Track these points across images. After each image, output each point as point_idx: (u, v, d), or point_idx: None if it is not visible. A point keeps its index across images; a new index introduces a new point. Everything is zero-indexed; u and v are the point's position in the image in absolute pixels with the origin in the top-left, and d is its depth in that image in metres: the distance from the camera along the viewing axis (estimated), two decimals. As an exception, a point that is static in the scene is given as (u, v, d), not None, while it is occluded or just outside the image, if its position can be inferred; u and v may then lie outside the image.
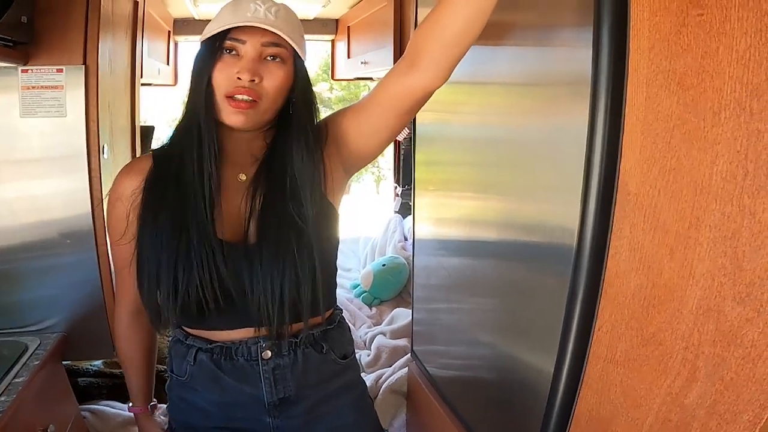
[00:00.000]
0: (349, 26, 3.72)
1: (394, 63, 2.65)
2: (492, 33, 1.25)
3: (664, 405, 0.78)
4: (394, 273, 3.12)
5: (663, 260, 0.78)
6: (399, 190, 4.13)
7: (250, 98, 1.09)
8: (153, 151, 1.22)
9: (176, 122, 1.19)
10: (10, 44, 1.68)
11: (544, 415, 1.07)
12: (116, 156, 2.08)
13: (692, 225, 0.73)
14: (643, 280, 0.82)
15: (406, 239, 3.54)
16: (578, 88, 0.93)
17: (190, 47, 4.42)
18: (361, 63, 3.31)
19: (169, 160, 1.15)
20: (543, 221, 1.09)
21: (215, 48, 1.10)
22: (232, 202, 1.15)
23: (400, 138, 4.31)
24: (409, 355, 2.20)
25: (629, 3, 0.83)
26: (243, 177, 1.18)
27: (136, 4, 2.48)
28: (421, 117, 1.72)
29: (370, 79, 4.57)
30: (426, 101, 1.14)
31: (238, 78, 1.08)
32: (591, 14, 0.89)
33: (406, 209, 4.04)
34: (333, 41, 4.20)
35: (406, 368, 2.14)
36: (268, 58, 1.11)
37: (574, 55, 0.97)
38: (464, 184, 1.46)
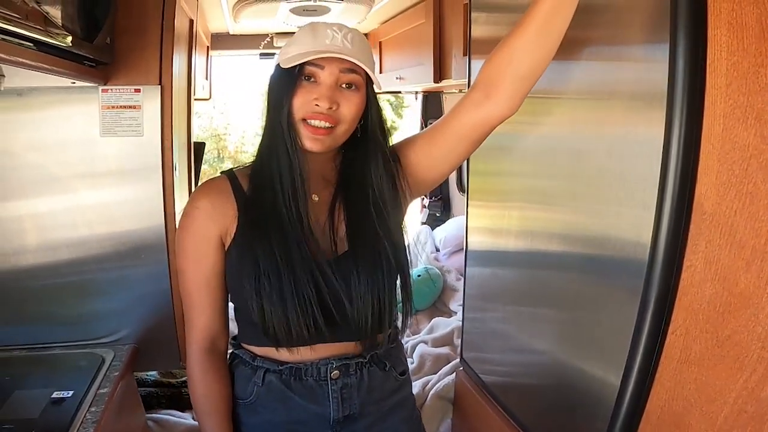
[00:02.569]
0: (381, 41, 3.82)
1: (433, 80, 2.79)
2: (560, 48, 1.35)
3: (740, 398, 0.89)
4: (430, 283, 3.23)
5: (739, 272, 0.89)
6: (426, 201, 4.24)
7: (328, 124, 1.15)
8: (225, 173, 1.27)
9: (258, 146, 1.24)
10: (93, 64, 1.80)
11: (612, 413, 1.16)
12: (181, 173, 2.19)
13: (769, 241, 0.84)
14: (719, 289, 0.93)
15: (437, 250, 3.64)
16: (650, 104, 1.03)
17: (221, 61, 4.58)
18: (397, 78, 3.41)
19: (260, 186, 1.21)
20: (611, 234, 1.19)
21: (295, 74, 1.15)
22: (309, 220, 1.21)
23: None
24: (456, 361, 2.30)
25: (706, 43, 0.94)
26: (316, 198, 1.25)
27: (191, 22, 2.60)
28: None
29: (398, 92, 4.70)
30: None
31: (316, 105, 1.14)
32: (664, 30, 0.99)
33: (432, 220, 4.15)
34: (363, 56, 4.30)
35: (453, 375, 2.24)
36: (344, 86, 1.16)
37: (646, 70, 1.06)
38: (526, 196, 1.55)
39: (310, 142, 1.16)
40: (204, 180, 1.31)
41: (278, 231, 1.17)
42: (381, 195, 1.23)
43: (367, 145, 1.24)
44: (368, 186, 1.23)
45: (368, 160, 1.24)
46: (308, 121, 1.15)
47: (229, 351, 1.32)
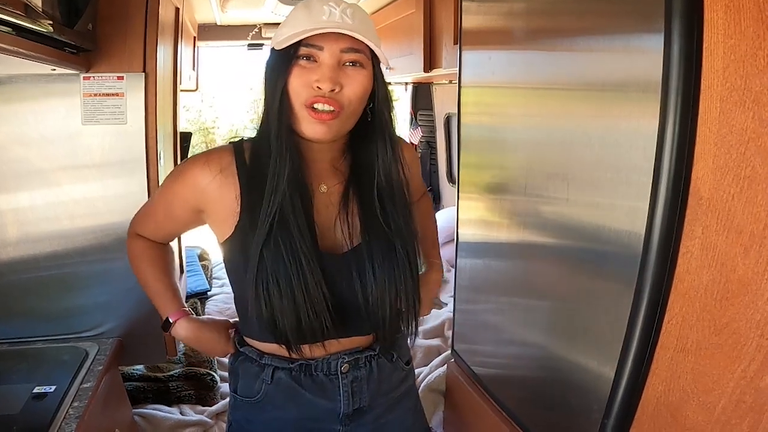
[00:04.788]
0: (370, 32, 3.78)
1: (423, 69, 2.76)
2: (549, 38, 1.32)
3: (738, 388, 0.87)
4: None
5: (737, 258, 0.87)
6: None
7: (332, 108, 1.04)
8: (233, 143, 1.18)
9: (257, 131, 1.15)
10: (74, 51, 1.75)
11: (607, 405, 1.15)
12: (166, 162, 2.15)
13: (767, 226, 0.82)
14: (716, 276, 0.91)
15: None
16: (644, 90, 1.01)
17: (210, 55, 4.54)
18: (387, 69, 3.37)
19: (260, 175, 1.11)
20: (605, 224, 1.17)
21: (290, 55, 1.05)
22: (318, 213, 1.15)
23: (415, 141, 4.40)
24: (448, 353, 2.28)
25: (702, 27, 0.92)
26: (324, 188, 1.17)
27: (177, 11, 2.56)
28: (467, 120, 1.79)
29: (388, 84, 4.66)
30: None
31: (318, 87, 1.03)
32: (659, 14, 0.96)
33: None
34: (351, 47, 4.26)
35: (444, 367, 2.22)
36: (347, 63, 1.05)
37: (641, 57, 1.03)
38: (518, 187, 1.52)
39: (315, 126, 1.06)
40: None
41: (282, 227, 1.08)
42: (390, 181, 1.16)
43: (374, 129, 1.14)
44: (378, 173, 1.15)
45: (376, 145, 1.15)
46: (310, 105, 1.05)
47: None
